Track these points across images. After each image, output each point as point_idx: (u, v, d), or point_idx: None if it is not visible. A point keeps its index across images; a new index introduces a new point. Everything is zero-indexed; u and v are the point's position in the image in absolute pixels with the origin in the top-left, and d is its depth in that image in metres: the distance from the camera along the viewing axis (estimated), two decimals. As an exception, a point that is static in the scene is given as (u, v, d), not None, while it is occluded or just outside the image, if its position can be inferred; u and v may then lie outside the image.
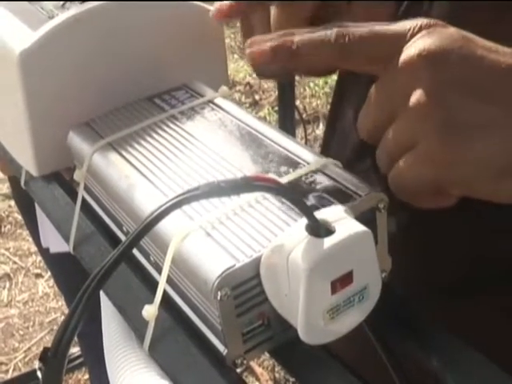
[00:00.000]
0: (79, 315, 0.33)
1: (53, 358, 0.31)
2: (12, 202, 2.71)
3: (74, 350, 1.97)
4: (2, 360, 2.06)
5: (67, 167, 0.54)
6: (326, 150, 0.75)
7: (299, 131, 2.27)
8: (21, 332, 2.17)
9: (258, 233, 0.37)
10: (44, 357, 0.32)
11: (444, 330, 0.41)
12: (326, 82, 3.42)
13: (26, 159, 0.54)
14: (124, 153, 0.47)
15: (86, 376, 1.95)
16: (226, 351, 0.37)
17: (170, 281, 0.40)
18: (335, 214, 0.36)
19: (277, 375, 1.92)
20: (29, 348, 2.10)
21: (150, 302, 0.39)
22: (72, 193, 0.53)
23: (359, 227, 0.36)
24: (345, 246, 0.35)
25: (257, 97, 3.18)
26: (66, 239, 0.50)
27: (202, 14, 0.56)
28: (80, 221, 0.49)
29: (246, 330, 0.37)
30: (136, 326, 0.41)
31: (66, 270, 1.56)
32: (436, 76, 0.38)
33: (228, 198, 0.39)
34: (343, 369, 0.40)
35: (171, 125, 0.49)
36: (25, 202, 1.47)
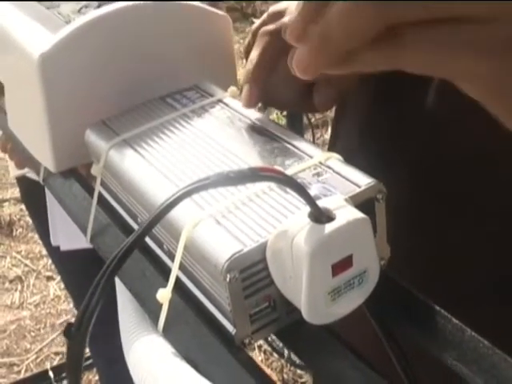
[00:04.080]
0: (99, 294, 0.36)
1: (76, 332, 0.34)
2: (23, 206, 2.75)
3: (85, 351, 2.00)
4: (14, 361, 2.10)
5: (84, 163, 0.57)
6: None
7: (308, 135, 2.30)
8: (32, 333, 2.21)
9: (263, 220, 0.40)
10: (68, 332, 0.35)
11: (444, 314, 0.44)
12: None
13: (45, 156, 0.57)
14: (139, 149, 0.50)
15: (97, 377, 1.98)
16: (234, 331, 0.40)
17: (181, 267, 0.43)
18: (336, 203, 0.39)
19: (285, 376, 1.94)
20: (40, 349, 2.14)
21: (164, 287, 0.42)
22: (88, 188, 0.56)
23: (358, 214, 0.38)
24: (344, 232, 0.38)
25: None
26: (84, 231, 0.53)
27: (212, 18, 0.59)
28: (96, 213, 0.52)
29: (253, 312, 0.40)
30: (150, 309, 0.44)
31: (75, 271, 1.59)
32: None
33: (236, 188, 0.42)
34: (348, 351, 0.42)
35: (183, 122, 0.52)
36: (34, 202, 1.51)
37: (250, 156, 0.47)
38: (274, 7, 0.56)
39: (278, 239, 0.38)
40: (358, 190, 0.42)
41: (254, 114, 0.52)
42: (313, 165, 0.45)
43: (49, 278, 2.45)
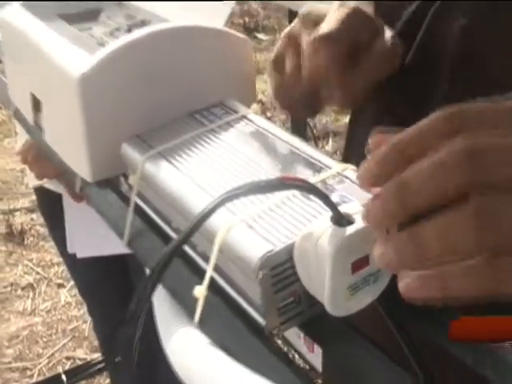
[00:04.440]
0: (150, 290, 0.40)
1: (129, 324, 0.39)
2: (34, 215, 2.81)
3: (95, 356, 2.06)
4: (27, 365, 2.14)
5: (118, 174, 0.62)
6: None
7: (310, 146, 2.35)
8: (44, 339, 2.25)
9: (290, 224, 0.45)
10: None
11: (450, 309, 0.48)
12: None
13: (82, 168, 0.62)
14: (172, 160, 0.54)
15: (107, 380, 2.02)
16: (264, 323, 0.45)
17: (215, 266, 0.47)
18: (354, 208, 0.44)
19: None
20: (52, 354, 2.18)
21: (198, 285, 0.46)
22: (123, 197, 0.60)
23: (374, 219, 0.43)
24: (363, 234, 0.42)
25: (268, 114, 3.28)
26: (121, 236, 0.57)
27: (234, 41, 0.64)
28: (133, 219, 0.57)
29: (281, 305, 0.45)
30: (187, 304, 0.49)
31: (89, 278, 1.64)
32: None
33: (264, 196, 0.47)
34: (366, 341, 0.47)
35: (211, 137, 0.56)
36: (51, 212, 1.55)
37: (274, 167, 0.52)
38: (305, 14, 0.60)
39: (303, 241, 0.43)
40: (373, 197, 0.46)
41: (275, 129, 0.57)
42: (331, 175, 0.49)
43: (59, 286, 2.50)
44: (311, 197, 0.46)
